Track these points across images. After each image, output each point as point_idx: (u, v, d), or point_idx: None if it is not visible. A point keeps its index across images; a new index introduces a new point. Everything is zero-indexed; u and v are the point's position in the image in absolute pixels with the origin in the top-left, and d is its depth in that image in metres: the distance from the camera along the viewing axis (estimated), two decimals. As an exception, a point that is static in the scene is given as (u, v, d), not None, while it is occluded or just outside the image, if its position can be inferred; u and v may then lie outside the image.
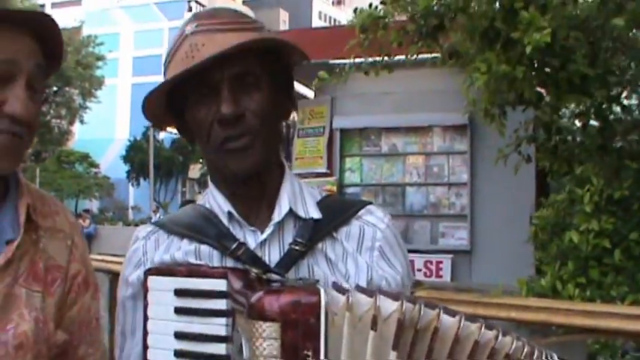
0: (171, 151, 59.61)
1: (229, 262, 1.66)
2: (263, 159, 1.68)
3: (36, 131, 1.65)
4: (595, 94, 5.68)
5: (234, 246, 1.65)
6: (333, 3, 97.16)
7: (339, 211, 1.76)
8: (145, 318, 1.63)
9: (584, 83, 5.53)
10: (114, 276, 6.41)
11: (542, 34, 5.10)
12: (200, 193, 69.31)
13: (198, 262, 1.67)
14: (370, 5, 6.74)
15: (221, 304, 1.53)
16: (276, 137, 1.76)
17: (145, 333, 1.64)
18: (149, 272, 1.64)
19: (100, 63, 54.16)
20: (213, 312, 1.54)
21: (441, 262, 12.47)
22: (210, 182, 1.82)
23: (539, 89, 5.86)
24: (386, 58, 6.90)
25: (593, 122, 6.33)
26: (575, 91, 5.54)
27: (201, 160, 65.76)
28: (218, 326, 1.53)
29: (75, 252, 1.80)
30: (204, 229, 1.71)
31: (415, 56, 6.59)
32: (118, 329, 1.81)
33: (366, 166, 13.59)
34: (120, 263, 6.46)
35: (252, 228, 1.70)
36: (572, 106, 5.95)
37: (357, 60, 7.14)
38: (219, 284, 1.53)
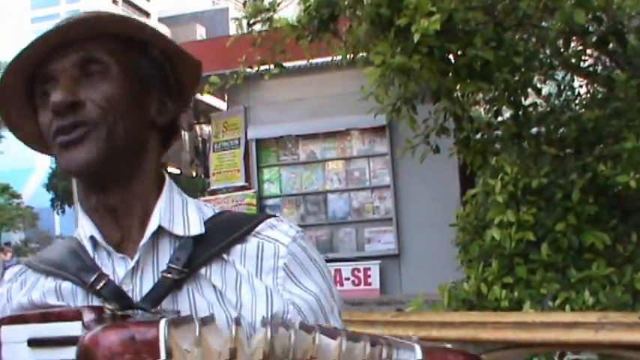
0: (94, 176, 59.09)
1: (96, 300, 1.35)
2: (104, 156, 1.37)
3: None
4: (498, 79, 5.34)
5: (92, 279, 1.35)
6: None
7: (231, 227, 1.44)
8: None
9: (486, 68, 5.18)
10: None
11: (431, 21, 4.78)
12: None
13: (60, 302, 1.39)
14: (261, -2, 6.38)
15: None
16: (137, 138, 1.44)
17: None
18: (2, 322, 1.35)
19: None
20: None
21: (368, 268, 12.25)
22: (78, 203, 1.51)
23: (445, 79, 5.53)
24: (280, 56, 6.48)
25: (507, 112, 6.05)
26: (475, 77, 5.18)
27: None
28: None
29: None
30: (67, 262, 1.42)
31: (311, 59, 6.26)
32: None
33: (284, 176, 13.34)
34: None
35: (121, 255, 1.40)
36: (481, 94, 5.62)
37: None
38: (74, 328, 1.25)
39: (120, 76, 1.41)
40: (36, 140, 1.51)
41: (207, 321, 1.21)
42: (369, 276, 12.18)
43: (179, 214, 1.45)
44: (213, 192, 13.59)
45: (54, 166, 59.90)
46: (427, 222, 11.55)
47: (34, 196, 63.29)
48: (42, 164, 67.73)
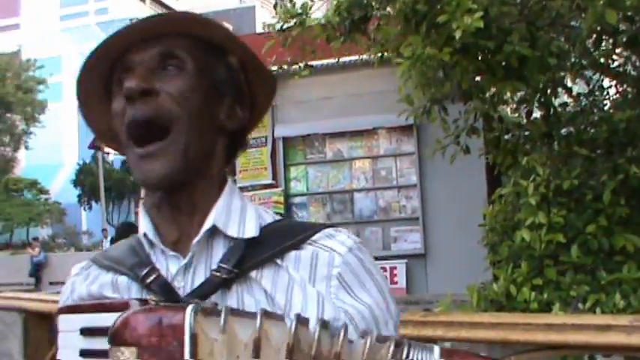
0: (121, 172, 59.17)
1: (148, 294, 1.40)
2: (179, 169, 1.39)
3: None
4: (533, 79, 5.28)
5: (144, 273, 1.40)
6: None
7: (287, 234, 1.45)
8: None
9: (522, 67, 5.12)
10: (28, 315, 5.97)
11: (474, 18, 4.70)
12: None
13: (115, 295, 1.44)
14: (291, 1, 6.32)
15: None
16: (206, 140, 1.45)
17: None
18: (60, 311, 1.41)
19: (41, 87, 53.40)
20: None
21: (395, 267, 12.21)
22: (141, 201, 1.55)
23: (477, 79, 5.47)
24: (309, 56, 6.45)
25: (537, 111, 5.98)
26: (511, 77, 5.12)
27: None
28: None
29: None
30: (126, 258, 1.47)
31: (339, 59, 6.18)
32: None
33: (311, 175, 13.33)
34: (33, 300, 6.03)
35: (174, 253, 1.43)
36: (509, 94, 5.55)
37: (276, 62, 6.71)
38: None
39: (195, 72, 1.43)
40: (109, 137, 1.54)
41: (270, 315, 1.21)
42: (395, 275, 12.17)
43: (235, 216, 1.46)
44: (240, 190, 13.59)
45: (81, 162, 60.38)
46: (453, 221, 11.52)
47: (61, 191, 63.58)
48: (70, 160, 68.05)
